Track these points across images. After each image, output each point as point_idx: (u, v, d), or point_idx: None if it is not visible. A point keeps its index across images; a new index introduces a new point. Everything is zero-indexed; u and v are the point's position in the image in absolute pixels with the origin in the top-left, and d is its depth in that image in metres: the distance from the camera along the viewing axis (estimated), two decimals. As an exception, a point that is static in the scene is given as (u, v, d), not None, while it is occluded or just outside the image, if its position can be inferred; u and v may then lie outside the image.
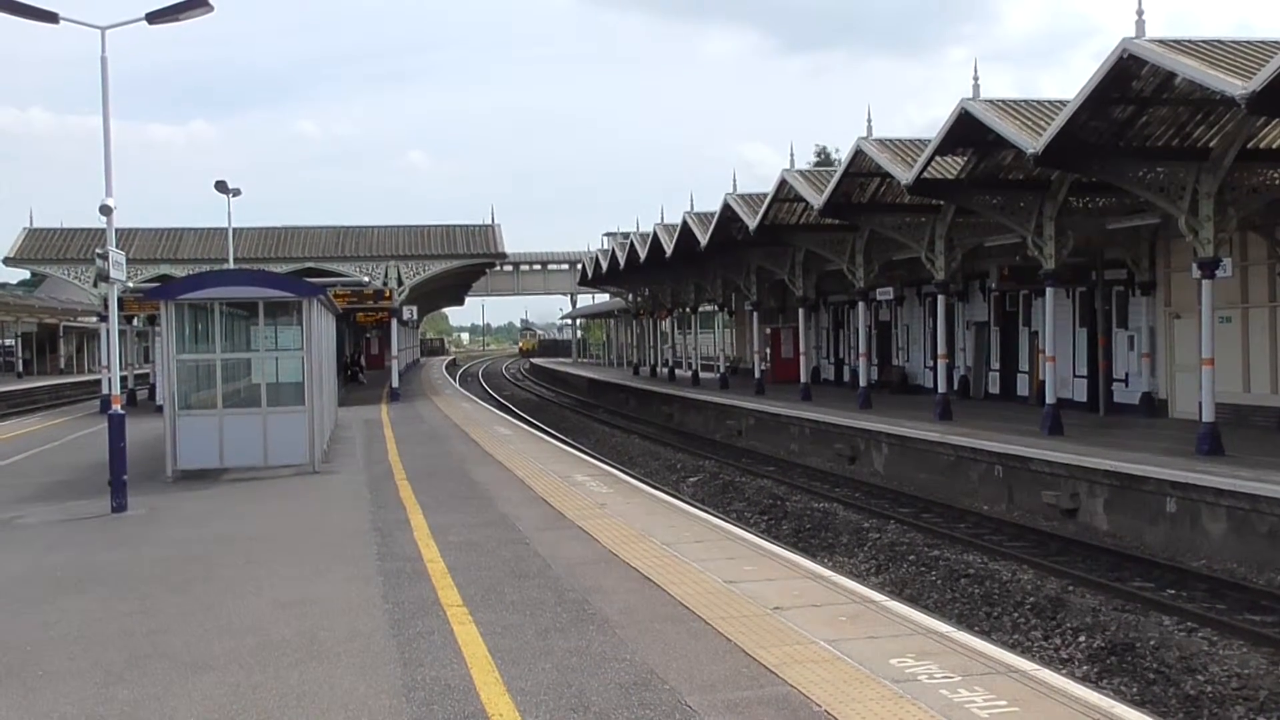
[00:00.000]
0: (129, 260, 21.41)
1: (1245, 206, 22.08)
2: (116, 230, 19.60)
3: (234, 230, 41.02)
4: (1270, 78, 17.17)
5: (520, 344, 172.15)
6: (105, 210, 18.15)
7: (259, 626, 9.74)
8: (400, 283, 45.17)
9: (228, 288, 20.91)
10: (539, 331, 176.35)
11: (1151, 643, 13.57)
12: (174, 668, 8.58)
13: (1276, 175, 22.24)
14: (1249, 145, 21.56)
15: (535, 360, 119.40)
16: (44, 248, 45.16)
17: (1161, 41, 20.25)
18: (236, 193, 39.27)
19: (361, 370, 63.05)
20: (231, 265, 38.17)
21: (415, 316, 52.73)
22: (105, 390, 38.74)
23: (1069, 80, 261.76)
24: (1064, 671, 11.83)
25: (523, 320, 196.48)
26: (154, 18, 18.73)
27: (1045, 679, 7.97)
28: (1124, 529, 20.02)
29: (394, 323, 46.57)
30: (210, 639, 9.37)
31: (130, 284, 35.76)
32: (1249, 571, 16.95)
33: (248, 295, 21.10)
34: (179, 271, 40.61)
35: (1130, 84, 21.12)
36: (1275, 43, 19.57)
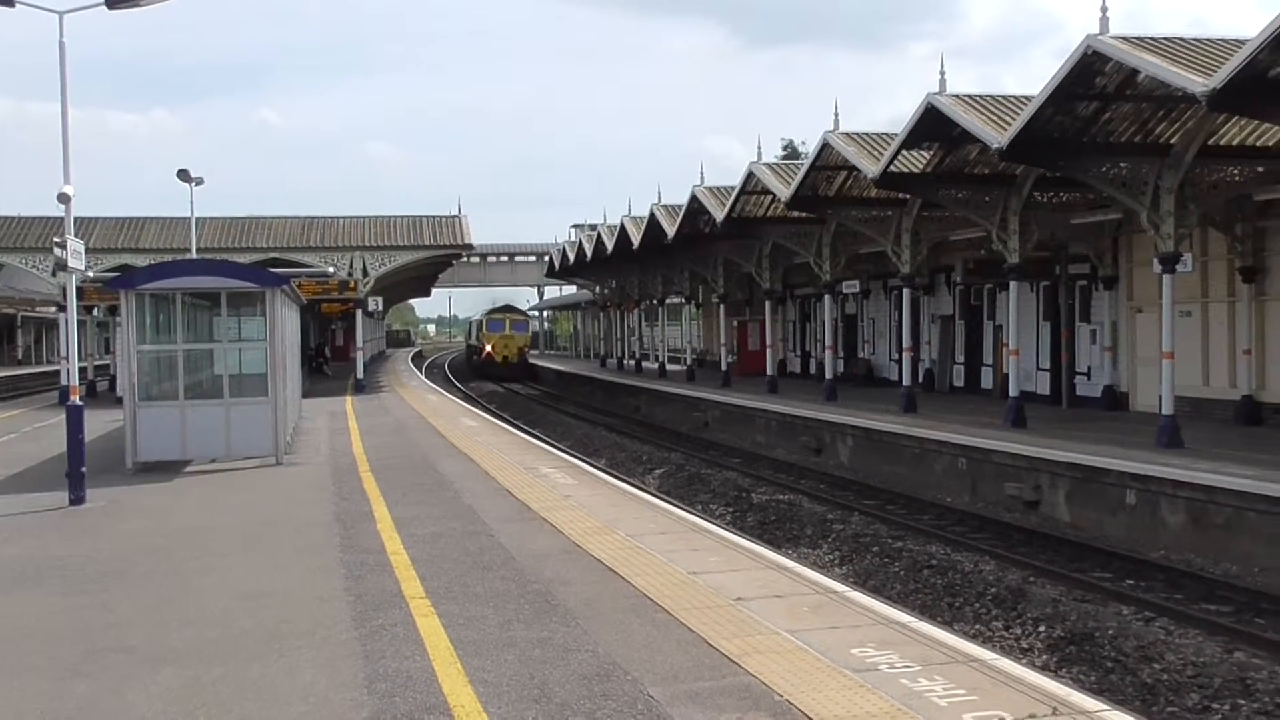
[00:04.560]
0: (88, 249, 21.23)
1: (1206, 202, 22.32)
2: (76, 219, 19.42)
3: (197, 220, 40.79)
4: (1230, 75, 17.32)
5: (485, 343, 73.75)
6: (63, 198, 17.94)
7: (219, 619, 9.68)
8: (366, 273, 44.94)
9: (190, 278, 20.76)
10: (528, 317, 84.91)
11: (1110, 632, 13.69)
12: (132, 661, 8.52)
13: (1236, 172, 22.46)
14: (1209, 142, 21.76)
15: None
16: (1, 236, 44.67)
17: (1125, 38, 20.39)
18: (199, 182, 39.05)
19: (326, 362, 62.75)
20: (194, 255, 37.93)
21: (381, 308, 52.60)
22: (64, 381, 38.38)
23: (1030, 77, 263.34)
24: (1024, 661, 11.93)
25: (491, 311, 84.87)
26: (114, 2, 18.50)
27: (1004, 668, 8.02)
28: (1085, 521, 20.18)
29: (359, 314, 46.35)
30: (170, 632, 9.31)
31: (90, 273, 35.50)
32: (1206, 562, 17.14)
33: (210, 286, 20.93)
34: (140, 261, 40.17)
35: (1094, 80, 21.27)
36: (1235, 41, 19.73)
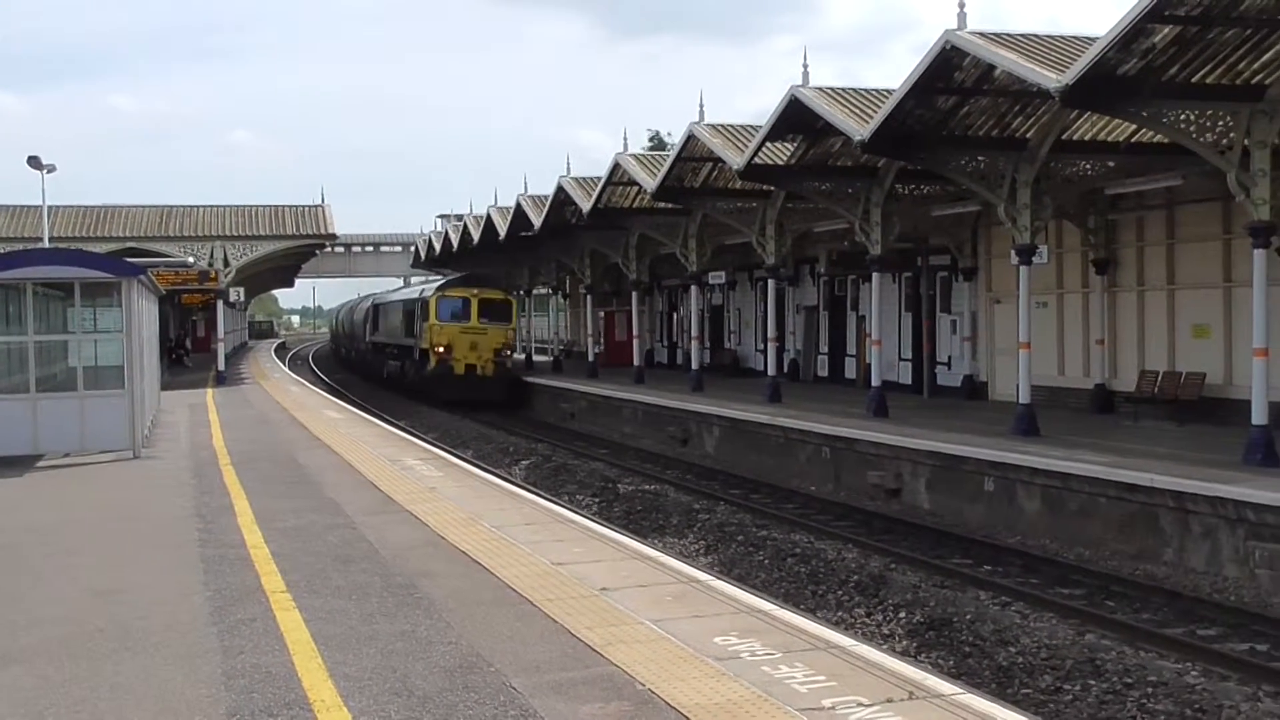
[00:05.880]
0: (-66, 238, 20.47)
1: (1060, 196, 22.97)
2: (-81, 206, 18.72)
3: (49, 208, 39.52)
4: (1082, 72, 17.80)
5: (437, 340, 42.36)
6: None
7: (71, 617, 9.40)
8: (227, 264, 44.01)
9: (42, 268, 20.15)
10: (510, 298, 46.06)
11: (968, 617, 14.01)
12: (-22, 661, 8.24)
13: (1089, 166, 23.14)
14: (1063, 137, 22.33)
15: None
16: None
17: (982, 34, 20.82)
18: (51, 169, 37.85)
19: (187, 354, 61.29)
20: (47, 245, 36.73)
21: (243, 298, 51.61)
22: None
23: (891, 71, 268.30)
24: (884, 647, 12.14)
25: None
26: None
27: (864, 654, 8.16)
28: (945, 508, 20.62)
29: (220, 305, 45.48)
30: (18, 631, 9.01)
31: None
32: (1060, 547, 17.64)
33: (63, 276, 20.35)
34: (-10, 250, 38.90)
35: (953, 75, 21.68)
36: (1087, 39, 20.28)
